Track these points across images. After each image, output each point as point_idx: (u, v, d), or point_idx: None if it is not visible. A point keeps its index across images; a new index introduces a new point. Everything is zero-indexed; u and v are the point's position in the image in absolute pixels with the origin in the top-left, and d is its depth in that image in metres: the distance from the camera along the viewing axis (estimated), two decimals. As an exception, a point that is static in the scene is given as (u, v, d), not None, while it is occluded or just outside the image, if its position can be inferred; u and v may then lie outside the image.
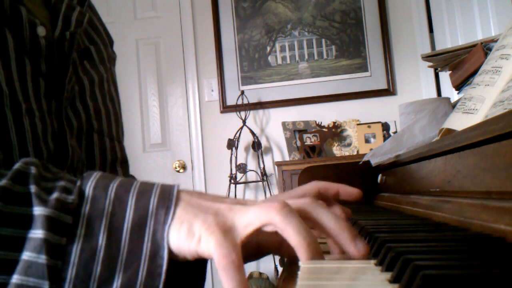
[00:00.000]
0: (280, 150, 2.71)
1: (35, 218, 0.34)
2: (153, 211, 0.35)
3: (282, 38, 2.74)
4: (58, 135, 0.54)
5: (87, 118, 0.60)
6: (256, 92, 2.71)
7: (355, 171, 1.04)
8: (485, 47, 0.94)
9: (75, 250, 0.34)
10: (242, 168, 2.57)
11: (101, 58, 0.65)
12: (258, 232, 0.36)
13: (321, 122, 2.62)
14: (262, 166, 2.59)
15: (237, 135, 2.60)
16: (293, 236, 0.34)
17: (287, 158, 2.64)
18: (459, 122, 0.65)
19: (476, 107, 0.63)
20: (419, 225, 0.53)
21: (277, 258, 2.50)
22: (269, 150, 2.73)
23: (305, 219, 0.37)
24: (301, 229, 0.34)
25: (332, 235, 0.37)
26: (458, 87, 1.11)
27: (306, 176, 1.07)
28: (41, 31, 0.53)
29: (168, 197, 0.36)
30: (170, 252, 0.35)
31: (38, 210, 0.34)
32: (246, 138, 2.65)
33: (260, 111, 2.74)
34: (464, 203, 0.48)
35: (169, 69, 2.84)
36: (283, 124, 2.63)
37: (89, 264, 0.34)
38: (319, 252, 0.34)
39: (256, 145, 2.59)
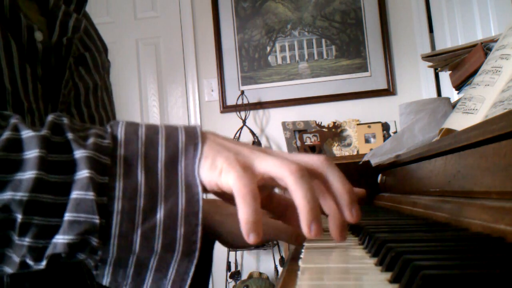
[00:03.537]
0: (280, 150, 2.71)
1: (78, 161, 0.37)
2: (182, 148, 0.39)
3: (282, 38, 2.74)
4: None
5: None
6: (256, 92, 2.71)
7: (355, 171, 1.05)
8: (485, 47, 0.94)
9: (118, 187, 0.37)
10: (242, 168, 2.57)
11: (96, 65, 0.66)
12: (272, 182, 0.39)
13: (321, 122, 2.62)
14: (262, 166, 2.59)
15: (237, 135, 2.60)
16: (300, 198, 0.37)
17: (287, 158, 2.64)
18: (459, 122, 0.65)
19: (476, 107, 0.63)
20: (419, 225, 0.53)
21: (277, 258, 2.50)
22: (269, 150, 2.73)
23: (315, 177, 0.40)
24: (308, 194, 0.37)
25: (335, 194, 0.40)
26: (458, 87, 1.11)
27: (306, 176, 1.06)
28: (39, 36, 0.55)
29: (194, 135, 0.40)
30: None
31: (79, 153, 0.37)
32: (246, 138, 2.65)
33: (260, 111, 2.74)
34: (464, 203, 0.48)
35: (169, 69, 2.84)
36: (283, 124, 2.63)
37: (132, 198, 0.36)
38: (317, 218, 0.37)
39: (256, 145, 2.58)
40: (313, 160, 0.41)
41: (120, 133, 0.39)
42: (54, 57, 0.57)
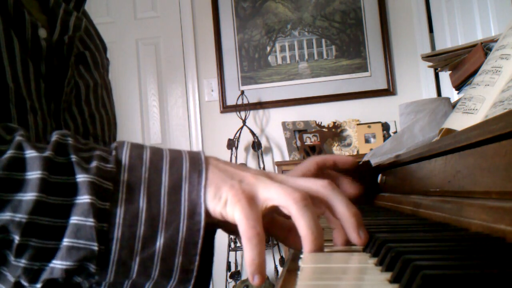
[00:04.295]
0: (280, 150, 2.71)
1: (79, 185, 0.36)
2: (186, 175, 0.39)
3: (282, 38, 2.74)
4: None
5: (82, 121, 0.61)
6: (256, 92, 2.71)
7: (355, 171, 1.04)
8: (485, 47, 0.94)
9: (119, 213, 0.36)
10: (242, 168, 2.57)
11: (95, 63, 0.66)
12: (276, 209, 0.39)
13: (321, 122, 2.62)
14: (262, 166, 2.59)
15: (237, 135, 2.60)
16: (303, 227, 0.37)
17: (287, 158, 2.64)
18: (459, 122, 0.65)
19: (476, 107, 0.63)
20: (419, 225, 0.53)
21: (277, 258, 2.50)
22: (269, 150, 2.73)
23: (320, 203, 0.40)
24: (312, 223, 0.37)
25: (340, 219, 0.40)
26: (458, 87, 1.11)
27: (306, 176, 1.06)
28: (43, 33, 0.54)
29: (198, 162, 0.40)
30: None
31: (81, 178, 0.36)
32: (246, 138, 2.65)
33: (260, 111, 2.74)
34: (464, 203, 0.48)
35: (169, 69, 2.84)
36: (283, 124, 2.63)
37: (133, 225, 0.36)
38: (321, 248, 0.37)
39: (256, 145, 2.59)
40: (317, 186, 0.40)
41: (125, 157, 0.39)
42: (56, 55, 0.57)
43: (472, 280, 0.23)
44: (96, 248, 0.35)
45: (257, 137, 2.61)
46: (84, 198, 0.36)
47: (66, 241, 0.35)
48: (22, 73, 0.51)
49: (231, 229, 0.48)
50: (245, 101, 2.64)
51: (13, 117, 0.49)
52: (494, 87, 0.61)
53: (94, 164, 0.37)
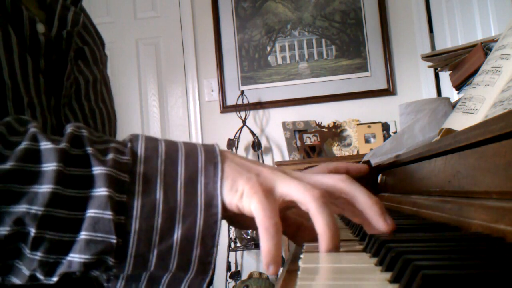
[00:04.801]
0: (280, 150, 2.71)
1: (96, 177, 0.36)
2: (202, 167, 0.38)
3: (282, 38, 2.74)
4: (56, 131, 0.55)
5: (83, 116, 0.61)
6: (256, 92, 2.71)
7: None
8: (485, 47, 0.94)
9: (136, 205, 0.36)
10: (242, 168, 2.57)
11: (94, 58, 0.66)
12: (289, 206, 0.39)
13: (321, 122, 2.62)
14: (262, 166, 2.59)
15: (237, 135, 2.60)
16: (322, 225, 0.37)
17: (287, 158, 2.64)
18: (459, 122, 0.65)
19: (476, 107, 0.63)
20: (419, 225, 0.53)
21: (277, 258, 2.50)
22: (269, 150, 2.73)
23: (339, 197, 0.41)
24: (330, 221, 0.37)
25: (363, 209, 0.40)
26: (458, 87, 1.11)
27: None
28: (41, 28, 0.54)
29: (213, 154, 0.40)
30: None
31: (98, 170, 0.36)
32: (246, 138, 2.65)
33: (260, 111, 2.74)
34: (464, 203, 0.48)
35: (169, 69, 2.84)
36: (283, 124, 2.63)
37: (150, 217, 0.36)
38: (337, 246, 0.37)
39: (256, 145, 2.59)
40: (334, 180, 0.40)
41: (140, 149, 0.38)
42: (55, 50, 0.57)
43: (472, 280, 0.23)
44: (114, 241, 0.35)
45: (257, 137, 2.61)
46: (101, 191, 0.35)
47: (83, 234, 0.35)
48: (20, 69, 0.50)
49: (236, 219, 0.48)
50: (245, 101, 2.64)
51: (11, 113, 0.49)
52: (494, 87, 0.61)
53: (110, 156, 0.37)
